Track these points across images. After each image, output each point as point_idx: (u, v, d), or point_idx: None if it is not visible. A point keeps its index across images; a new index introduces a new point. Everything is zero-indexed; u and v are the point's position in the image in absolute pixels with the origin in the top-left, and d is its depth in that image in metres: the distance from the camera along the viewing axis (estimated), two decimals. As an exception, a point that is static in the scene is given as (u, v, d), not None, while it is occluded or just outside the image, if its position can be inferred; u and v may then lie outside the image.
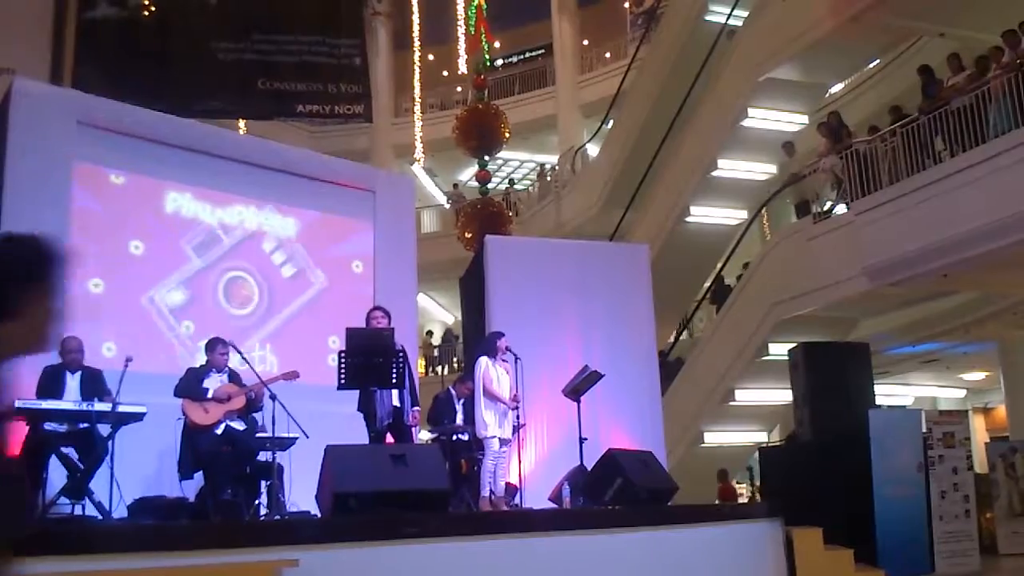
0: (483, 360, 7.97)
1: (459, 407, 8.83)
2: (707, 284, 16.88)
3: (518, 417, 8.12)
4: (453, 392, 8.97)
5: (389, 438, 7.38)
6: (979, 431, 19.47)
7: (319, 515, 6.52)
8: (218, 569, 4.93)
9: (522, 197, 24.40)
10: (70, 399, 6.94)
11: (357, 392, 7.14)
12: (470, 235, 17.51)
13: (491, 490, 7.81)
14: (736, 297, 14.29)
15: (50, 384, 6.97)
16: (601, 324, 10.37)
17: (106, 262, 8.43)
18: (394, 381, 7.16)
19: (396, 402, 7.50)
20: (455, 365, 21.24)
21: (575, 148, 22.89)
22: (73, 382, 7.07)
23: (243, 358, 7.34)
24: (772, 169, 15.13)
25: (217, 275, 9.16)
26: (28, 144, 7.92)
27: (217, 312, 9.04)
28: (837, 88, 16.56)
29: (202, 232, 9.15)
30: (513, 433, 8.13)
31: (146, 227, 8.79)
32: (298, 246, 9.72)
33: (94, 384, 7.10)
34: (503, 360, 8.04)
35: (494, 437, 7.75)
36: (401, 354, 7.28)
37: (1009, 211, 9.53)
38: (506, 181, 26.52)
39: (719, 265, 16.44)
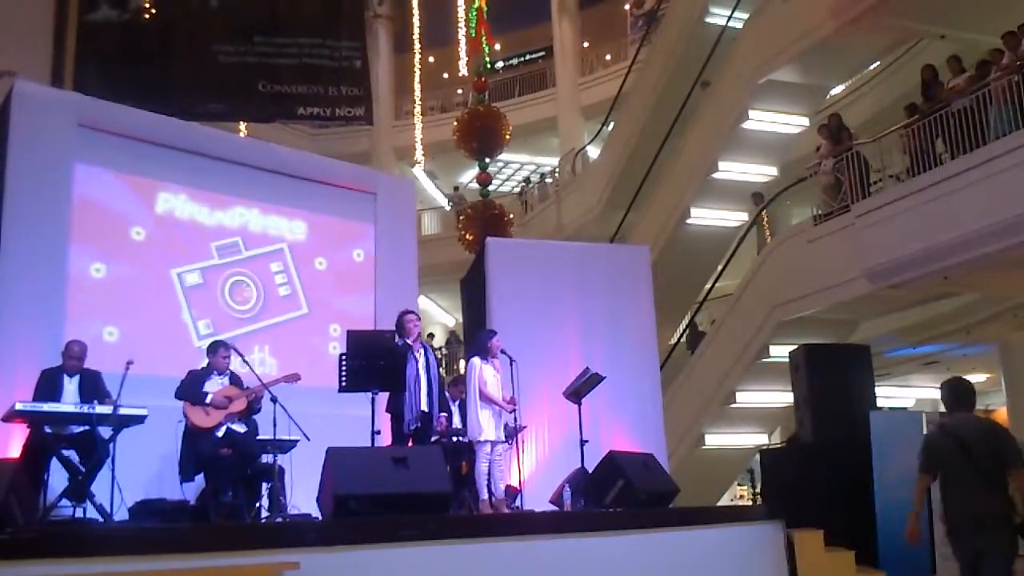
0: (476, 361, 7.95)
1: (455, 408, 8.83)
2: (706, 287, 16.89)
3: (516, 419, 8.10)
4: (447, 395, 8.97)
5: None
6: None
7: (320, 518, 6.52)
8: (219, 572, 4.92)
9: (531, 197, 24.36)
10: (68, 402, 6.95)
11: (357, 395, 7.13)
12: (471, 237, 17.54)
13: (491, 492, 7.80)
14: (737, 299, 14.29)
15: (48, 387, 6.98)
16: (602, 326, 10.37)
17: (107, 247, 8.48)
18: (400, 383, 7.21)
19: (425, 407, 7.52)
20: (458, 367, 21.25)
21: (576, 150, 22.89)
22: (71, 385, 7.09)
23: (244, 360, 7.34)
24: (773, 171, 15.14)
25: (223, 273, 9.22)
26: (29, 146, 7.94)
27: (219, 304, 9.11)
28: (838, 90, 16.55)
29: (204, 231, 9.18)
30: (512, 436, 8.12)
31: (148, 222, 8.83)
32: (293, 268, 9.74)
33: (93, 386, 7.11)
34: (493, 358, 8.02)
35: (486, 441, 7.74)
36: (403, 356, 7.30)
37: (1010, 213, 9.52)
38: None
39: (719, 268, 16.45)
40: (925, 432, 6.04)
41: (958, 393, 5.93)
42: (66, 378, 7.10)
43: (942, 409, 16.24)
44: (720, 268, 16.40)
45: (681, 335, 17.32)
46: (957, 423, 5.87)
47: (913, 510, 5.94)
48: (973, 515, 5.65)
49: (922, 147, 11.06)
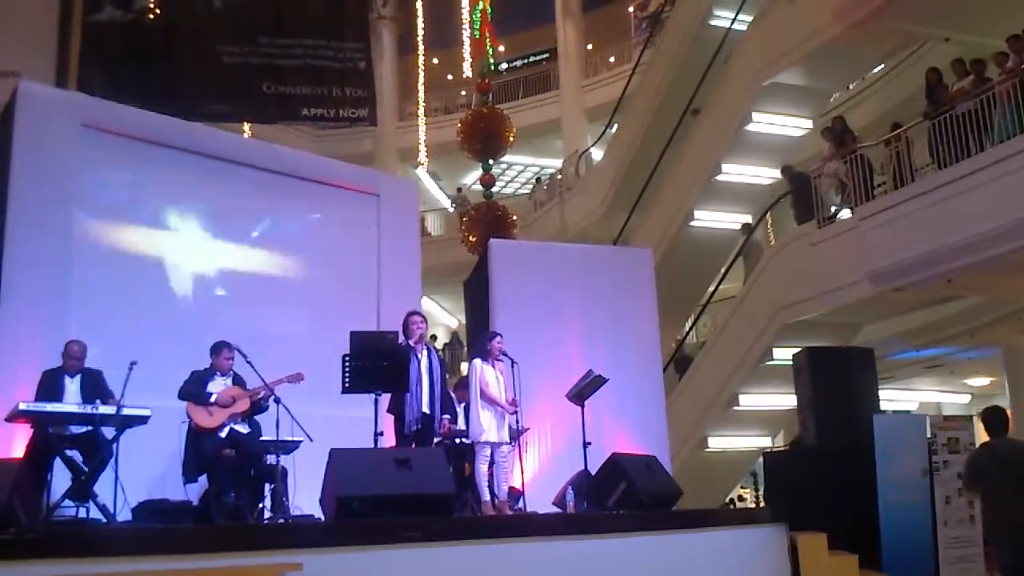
0: (477, 363, 7.93)
1: (460, 411, 8.80)
2: (709, 290, 16.89)
3: (517, 421, 8.09)
4: (454, 397, 8.94)
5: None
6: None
7: (323, 519, 6.52)
8: (222, 572, 4.93)
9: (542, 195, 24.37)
10: (70, 402, 6.95)
11: (360, 395, 7.14)
12: (474, 239, 17.53)
13: (494, 494, 7.79)
14: (740, 302, 14.27)
15: (49, 388, 6.97)
16: (605, 328, 10.36)
17: (111, 246, 8.49)
18: (403, 384, 7.22)
19: (427, 408, 7.51)
20: (460, 369, 21.25)
21: (579, 152, 22.88)
22: (72, 385, 7.07)
23: (247, 361, 7.33)
24: (776, 174, 15.11)
25: (226, 273, 9.24)
26: (33, 146, 7.94)
27: (222, 305, 9.13)
28: (841, 93, 16.54)
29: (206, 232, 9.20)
30: (516, 437, 8.11)
31: (151, 222, 8.85)
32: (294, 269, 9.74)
33: (95, 385, 7.10)
34: (498, 361, 8.01)
35: (487, 443, 7.72)
36: (406, 357, 7.29)
37: (1014, 216, 9.51)
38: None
39: (722, 270, 16.44)
40: (970, 452, 7.64)
41: (996, 420, 7.30)
42: (67, 378, 7.09)
43: (946, 413, 16.68)
44: (723, 271, 16.39)
45: (678, 348, 17.22)
46: (997, 444, 7.14)
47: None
48: (1010, 520, 6.73)
49: (908, 162, 11.13)
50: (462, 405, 8.66)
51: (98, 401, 6.92)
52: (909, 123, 11.73)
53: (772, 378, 13.46)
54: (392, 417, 7.55)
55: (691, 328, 17.42)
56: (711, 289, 16.89)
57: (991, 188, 9.81)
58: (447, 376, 8.20)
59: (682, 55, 16.88)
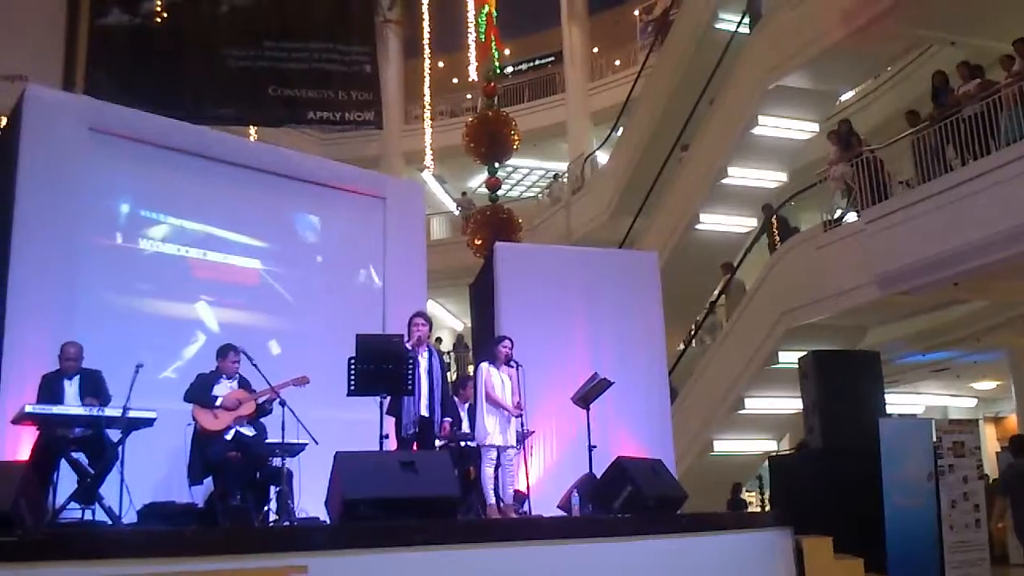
0: (484, 366, 7.93)
1: (464, 413, 8.79)
2: (716, 291, 16.87)
3: (522, 424, 8.09)
4: (456, 399, 8.92)
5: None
6: (990, 440, 19.39)
7: (328, 521, 6.53)
8: (227, 575, 4.93)
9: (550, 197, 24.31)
10: (70, 404, 6.95)
11: (366, 398, 7.14)
12: (480, 242, 17.54)
13: (499, 497, 7.78)
14: (745, 305, 14.26)
15: (48, 392, 6.98)
16: (610, 331, 10.35)
17: (119, 252, 8.52)
18: (409, 387, 7.21)
19: (425, 411, 7.49)
20: (465, 372, 21.23)
21: (585, 155, 22.88)
22: (71, 387, 7.07)
23: (253, 364, 7.34)
24: (783, 177, 15.11)
25: (232, 275, 9.26)
26: (40, 150, 7.95)
27: (228, 307, 9.15)
28: (847, 96, 16.52)
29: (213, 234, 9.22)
30: (521, 441, 8.11)
31: (158, 226, 8.85)
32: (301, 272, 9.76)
33: (92, 385, 7.10)
34: (507, 365, 8.00)
35: (492, 446, 7.71)
36: (411, 360, 7.29)
37: (1020, 219, 9.50)
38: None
39: (728, 274, 16.41)
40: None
41: (1021, 445, 9.56)
42: (66, 381, 7.08)
43: (952, 417, 17.74)
44: (728, 276, 16.37)
45: (681, 356, 17.15)
46: (1020, 464, 9.35)
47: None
48: None
49: (930, 158, 11.09)
50: (466, 406, 8.65)
51: (98, 403, 6.93)
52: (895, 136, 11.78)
53: (778, 381, 13.44)
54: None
55: (695, 332, 17.37)
56: (716, 292, 16.87)
57: (997, 191, 9.80)
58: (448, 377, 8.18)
59: (687, 59, 16.88)
